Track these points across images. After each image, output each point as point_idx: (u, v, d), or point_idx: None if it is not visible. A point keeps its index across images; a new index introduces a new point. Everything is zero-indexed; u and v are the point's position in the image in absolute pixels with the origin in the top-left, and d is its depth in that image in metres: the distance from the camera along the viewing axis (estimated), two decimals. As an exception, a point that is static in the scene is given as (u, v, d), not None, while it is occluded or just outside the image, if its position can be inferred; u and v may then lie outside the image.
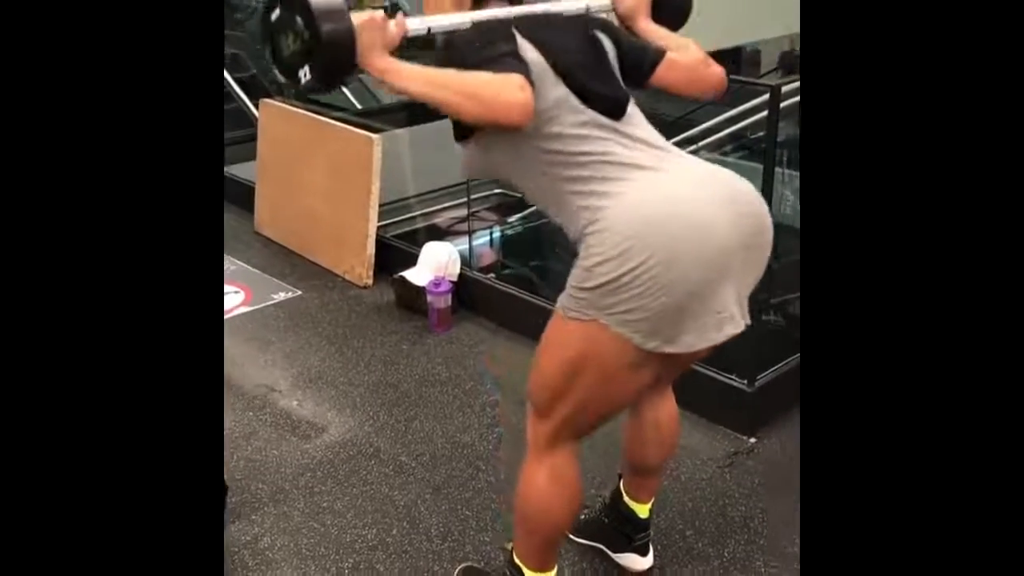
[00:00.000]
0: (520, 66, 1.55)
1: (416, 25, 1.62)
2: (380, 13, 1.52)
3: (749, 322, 1.67)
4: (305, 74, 1.48)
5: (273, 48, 1.53)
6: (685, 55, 1.81)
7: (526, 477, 1.82)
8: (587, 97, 1.65)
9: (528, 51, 1.62)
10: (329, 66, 1.48)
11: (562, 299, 1.64)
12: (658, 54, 1.79)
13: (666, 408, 2.01)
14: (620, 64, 1.76)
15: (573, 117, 1.63)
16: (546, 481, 1.78)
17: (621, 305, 1.54)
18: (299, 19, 1.45)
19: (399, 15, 1.59)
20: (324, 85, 1.52)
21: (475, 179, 1.82)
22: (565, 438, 1.77)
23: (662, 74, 1.79)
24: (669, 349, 1.58)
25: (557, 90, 1.63)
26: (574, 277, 1.61)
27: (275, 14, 1.51)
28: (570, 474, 1.80)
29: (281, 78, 1.55)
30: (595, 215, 1.58)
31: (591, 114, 1.64)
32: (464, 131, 1.71)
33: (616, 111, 1.67)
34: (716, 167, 1.71)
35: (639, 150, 1.64)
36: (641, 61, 1.79)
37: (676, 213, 1.56)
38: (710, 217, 1.57)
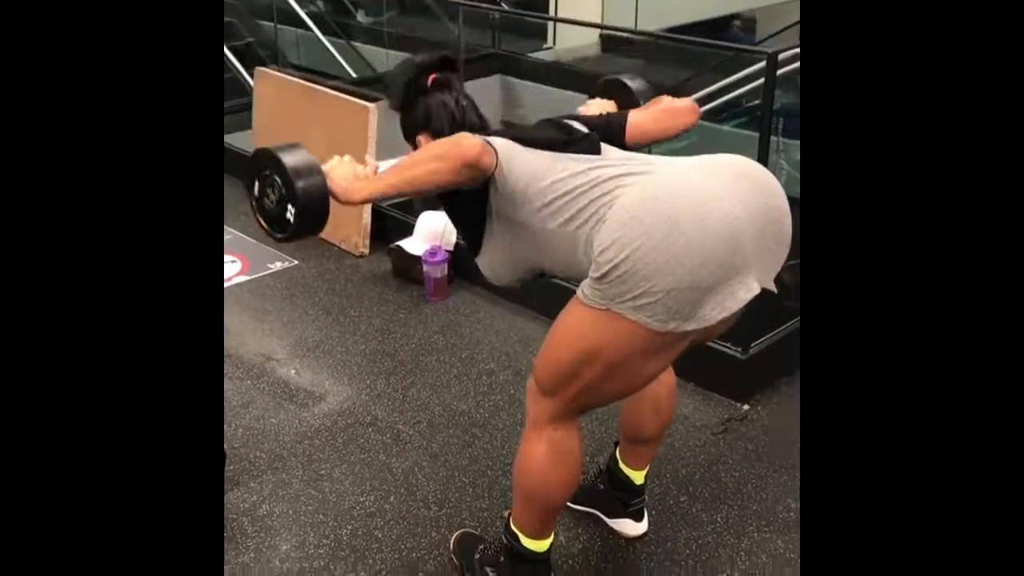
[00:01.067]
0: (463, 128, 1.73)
1: (385, 166, 1.71)
2: (347, 157, 1.69)
3: (772, 288, 1.64)
4: (292, 216, 1.59)
5: (260, 208, 1.67)
6: (650, 107, 1.97)
7: (525, 450, 1.83)
8: (560, 148, 1.73)
9: (490, 139, 1.70)
10: (309, 207, 1.59)
11: (582, 286, 1.64)
12: (621, 117, 1.92)
13: (665, 381, 2.03)
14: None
15: (554, 166, 1.68)
16: (546, 456, 1.80)
17: (630, 292, 1.54)
18: (277, 179, 1.60)
19: (368, 161, 1.71)
20: (305, 226, 1.61)
21: (507, 286, 1.91)
22: (569, 416, 1.79)
23: (633, 129, 1.90)
24: (689, 327, 1.57)
25: (528, 155, 1.71)
26: (590, 269, 1.61)
27: (256, 185, 1.66)
28: (572, 448, 1.82)
29: (265, 226, 1.68)
30: (599, 219, 1.60)
31: (570, 156, 1.70)
32: (474, 246, 1.82)
33: (592, 148, 1.74)
34: (714, 156, 1.72)
35: (626, 165, 1.67)
36: (611, 129, 1.87)
37: (670, 195, 1.56)
38: (709, 193, 1.57)
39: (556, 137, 1.76)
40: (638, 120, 1.91)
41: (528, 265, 1.80)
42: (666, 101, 1.96)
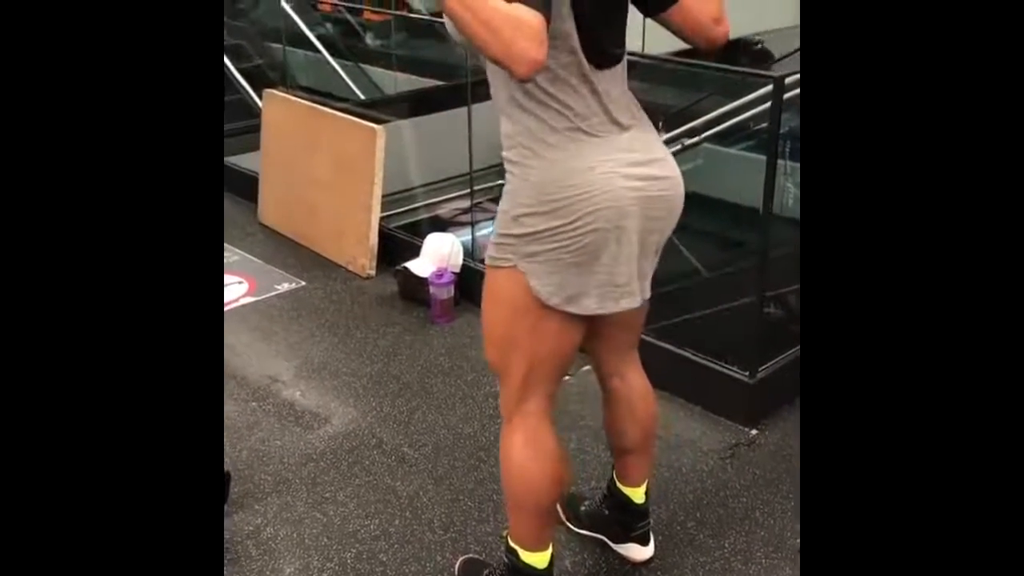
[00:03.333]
0: (545, 3, 1.46)
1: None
2: None
3: (647, 297, 1.80)
4: None
5: None
6: (699, 4, 1.74)
7: (503, 448, 1.87)
8: (586, 39, 1.62)
9: None
10: None
11: (489, 251, 1.74)
12: None
13: (636, 384, 2.04)
14: None
15: (562, 57, 1.60)
16: (520, 446, 1.84)
17: (540, 256, 1.66)
18: None
19: None
20: None
21: (456, 42, 1.70)
22: (528, 396, 1.82)
23: (674, 13, 1.73)
24: (569, 309, 1.70)
25: (564, 24, 1.59)
26: (499, 224, 1.72)
27: None
28: (544, 439, 1.85)
29: None
30: (529, 161, 1.66)
31: (579, 59, 1.62)
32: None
33: (604, 62, 1.66)
34: (651, 140, 1.76)
35: (596, 115, 1.66)
36: None
37: (597, 180, 1.63)
38: (620, 185, 1.64)
39: (597, 23, 1.63)
40: (677, 14, 1.73)
41: (477, 57, 1.69)
42: (713, 16, 1.75)
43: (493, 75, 1.69)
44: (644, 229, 1.70)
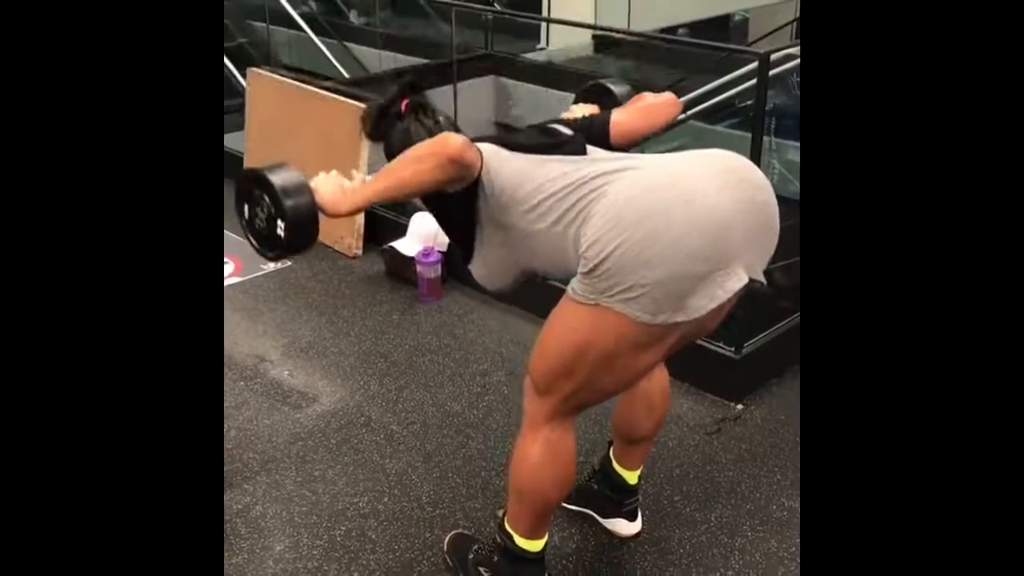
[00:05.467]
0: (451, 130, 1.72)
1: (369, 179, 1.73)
2: (334, 172, 1.69)
3: (762, 280, 1.65)
4: (282, 232, 1.61)
5: (251, 228, 1.70)
6: (631, 106, 1.96)
7: (521, 450, 1.83)
8: (546, 151, 1.73)
9: (475, 143, 1.70)
10: (299, 223, 1.61)
11: (572, 282, 1.65)
12: (604, 117, 1.92)
13: (658, 380, 2.03)
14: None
15: (540, 168, 1.69)
16: (541, 455, 1.80)
17: (618, 286, 1.55)
18: (266, 198, 1.62)
19: (354, 176, 1.71)
20: (298, 239, 1.63)
21: (500, 291, 1.93)
22: (564, 414, 1.79)
23: (617, 128, 1.90)
24: (678, 318, 1.57)
25: (515, 159, 1.72)
26: (579, 266, 1.62)
27: (246, 207, 1.68)
28: (566, 449, 1.82)
29: (256, 245, 1.70)
30: (586, 216, 1.61)
31: (557, 159, 1.70)
32: (466, 252, 1.83)
33: (579, 150, 1.75)
34: (701, 150, 1.72)
35: (612, 163, 1.67)
36: (595, 128, 1.88)
37: (656, 188, 1.58)
38: (696, 185, 1.58)
39: (542, 141, 1.78)
40: (621, 119, 1.92)
41: (520, 268, 1.81)
42: (648, 98, 1.96)
43: (528, 251, 1.74)
44: (746, 239, 1.60)
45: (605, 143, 1.86)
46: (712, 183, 1.59)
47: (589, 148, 1.78)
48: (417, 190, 1.67)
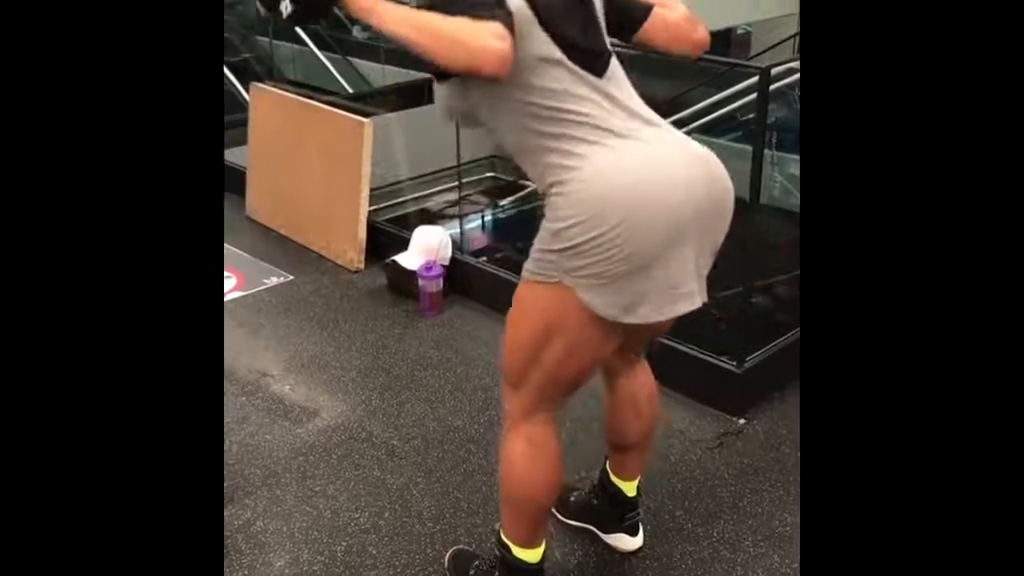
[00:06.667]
0: (502, 14, 1.50)
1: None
2: None
3: (706, 299, 1.71)
4: (286, 6, 1.53)
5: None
6: (671, 13, 1.79)
7: (505, 450, 1.86)
8: (571, 51, 1.63)
9: (513, 1, 1.58)
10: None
11: (527, 265, 1.69)
12: (645, 11, 1.77)
13: (643, 383, 2.04)
14: (607, 18, 1.73)
15: (555, 72, 1.61)
16: (524, 451, 1.82)
17: (586, 269, 1.59)
18: None
19: None
20: (304, 17, 1.56)
21: (452, 121, 1.77)
22: (539, 408, 1.81)
23: (648, 30, 1.78)
24: (627, 319, 1.63)
25: (540, 41, 1.60)
26: (541, 240, 1.65)
27: None
28: (548, 444, 1.84)
29: (263, 10, 1.58)
30: (564, 175, 1.60)
31: (573, 69, 1.62)
32: (445, 71, 1.66)
33: (598, 68, 1.66)
34: (686, 139, 1.72)
35: (615, 115, 1.63)
36: (629, 16, 1.77)
37: (640, 181, 1.59)
38: (669, 186, 1.60)
39: (575, 36, 1.64)
40: (653, 30, 1.78)
41: (480, 122, 1.73)
42: (685, 18, 1.80)
43: (501, 123, 1.67)
44: (701, 228, 1.64)
45: (628, 35, 1.77)
46: (682, 183, 1.61)
47: (610, 74, 1.67)
48: (429, 58, 1.51)
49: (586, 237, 1.56)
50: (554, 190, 1.62)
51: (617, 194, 1.57)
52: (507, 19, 1.51)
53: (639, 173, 1.59)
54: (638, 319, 1.63)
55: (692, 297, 1.66)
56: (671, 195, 1.59)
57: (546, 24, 1.61)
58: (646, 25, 1.77)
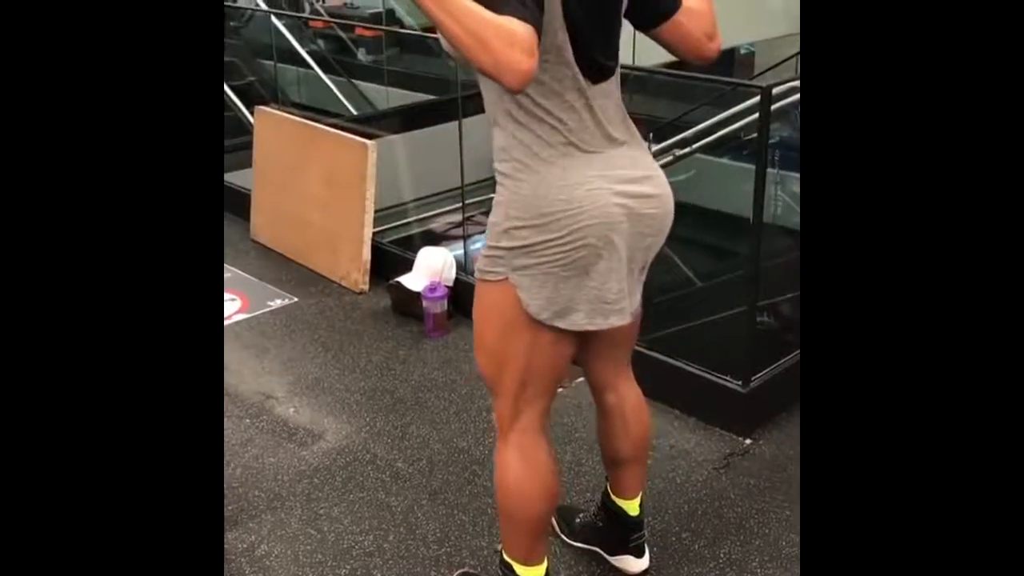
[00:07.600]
0: (536, 14, 1.45)
1: None
2: None
3: (637, 314, 1.83)
4: None
5: None
6: (693, 21, 1.73)
7: (498, 463, 1.87)
8: (580, 52, 1.61)
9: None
10: None
11: (478, 265, 1.75)
12: (671, 8, 1.71)
13: (629, 397, 2.03)
14: (631, 3, 1.70)
15: (556, 71, 1.61)
16: (516, 461, 1.83)
17: (531, 269, 1.66)
18: None
19: None
20: None
21: (449, 55, 1.67)
22: (522, 411, 1.82)
23: (666, 29, 1.73)
24: (559, 324, 1.70)
25: (557, 37, 1.58)
26: (491, 237, 1.71)
27: None
28: (539, 454, 1.85)
29: None
30: (520, 175, 1.65)
31: (574, 73, 1.62)
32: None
33: (598, 77, 1.66)
34: (639, 156, 1.75)
35: (587, 130, 1.66)
36: (653, 7, 1.72)
37: (585, 196, 1.63)
38: (608, 203, 1.65)
39: (585, 39, 1.62)
40: (671, 31, 1.73)
41: (471, 71, 1.65)
42: (706, 32, 1.75)
43: (486, 87, 1.68)
44: (633, 246, 1.70)
45: (646, 26, 1.73)
46: (621, 198, 1.67)
47: (602, 89, 1.68)
48: (458, 50, 1.44)
49: (537, 239, 1.64)
50: (508, 184, 1.67)
51: (562, 206, 1.63)
52: (539, 17, 1.45)
53: (584, 188, 1.64)
54: (569, 326, 1.70)
55: (623, 312, 1.73)
56: (612, 212, 1.65)
57: (570, 18, 1.58)
58: (667, 24, 1.72)
